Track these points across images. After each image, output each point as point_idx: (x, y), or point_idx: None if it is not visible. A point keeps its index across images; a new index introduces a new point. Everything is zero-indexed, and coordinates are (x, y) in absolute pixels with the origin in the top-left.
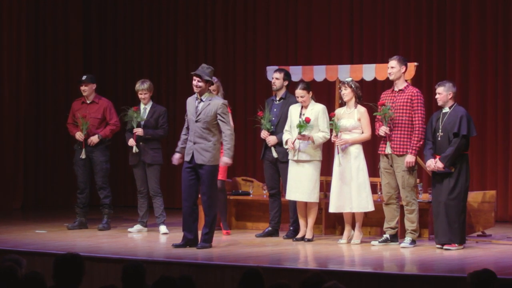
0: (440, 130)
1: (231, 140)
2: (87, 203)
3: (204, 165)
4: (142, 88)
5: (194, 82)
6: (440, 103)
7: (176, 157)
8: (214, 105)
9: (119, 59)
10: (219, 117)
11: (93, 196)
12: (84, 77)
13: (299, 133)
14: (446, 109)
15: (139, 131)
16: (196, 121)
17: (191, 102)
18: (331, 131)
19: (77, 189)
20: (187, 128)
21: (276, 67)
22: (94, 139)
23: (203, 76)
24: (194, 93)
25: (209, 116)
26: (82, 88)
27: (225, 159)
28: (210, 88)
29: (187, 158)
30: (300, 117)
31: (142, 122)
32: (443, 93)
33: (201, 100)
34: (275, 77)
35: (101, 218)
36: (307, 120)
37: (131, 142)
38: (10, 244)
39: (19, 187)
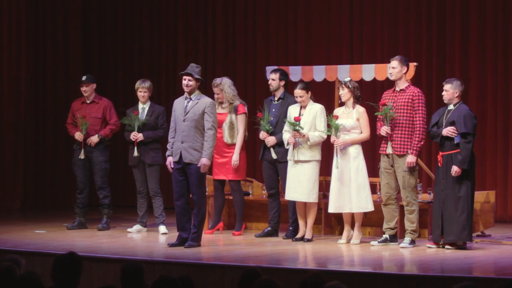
0: (443, 126)
1: (212, 141)
2: (86, 203)
3: (192, 164)
4: (143, 86)
5: (185, 82)
6: (446, 100)
7: (169, 160)
8: (203, 103)
9: (119, 59)
10: (205, 115)
11: (92, 196)
12: (84, 78)
13: (294, 129)
14: (451, 107)
15: (139, 137)
16: (184, 120)
17: (179, 102)
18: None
19: (76, 189)
20: (174, 130)
21: (275, 67)
22: (94, 139)
23: (194, 75)
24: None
25: (197, 114)
26: (83, 88)
27: (203, 160)
28: (218, 96)
29: (175, 158)
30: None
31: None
32: (450, 90)
33: (190, 99)
34: (271, 78)
35: (101, 218)
36: (297, 119)
37: (135, 152)
38: (10, 244)
39: (19, 187)
